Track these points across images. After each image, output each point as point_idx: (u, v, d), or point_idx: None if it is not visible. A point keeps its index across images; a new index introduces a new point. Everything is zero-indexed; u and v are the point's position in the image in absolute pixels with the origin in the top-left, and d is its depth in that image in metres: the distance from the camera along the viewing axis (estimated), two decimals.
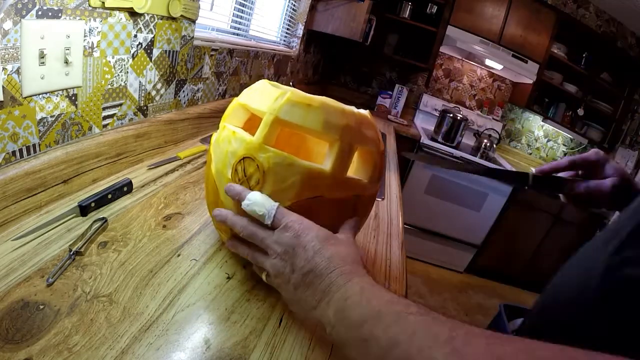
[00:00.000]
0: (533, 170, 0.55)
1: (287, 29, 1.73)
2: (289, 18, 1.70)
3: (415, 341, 0.26)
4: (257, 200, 0.40)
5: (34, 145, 0.51)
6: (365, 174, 0.48)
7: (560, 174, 0.54)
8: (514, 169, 0.59)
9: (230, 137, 0.44)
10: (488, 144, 2.38)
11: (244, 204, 0.40)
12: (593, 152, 0.52)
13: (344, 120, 0.42)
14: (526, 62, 2.31)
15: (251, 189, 0.42)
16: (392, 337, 0.27)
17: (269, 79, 0.53)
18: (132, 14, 0.62)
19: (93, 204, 0.53)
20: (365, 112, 0.48)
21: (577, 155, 0.53)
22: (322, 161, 0.43)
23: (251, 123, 0.48)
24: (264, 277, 0.42)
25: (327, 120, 0.42)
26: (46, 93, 0.50)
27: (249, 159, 0.42)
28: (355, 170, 0.50)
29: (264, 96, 0.45)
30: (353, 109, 0.46)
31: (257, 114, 0.45)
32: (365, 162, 0.48)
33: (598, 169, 0.52)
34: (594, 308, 0.34)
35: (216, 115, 1.02)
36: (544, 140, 2.83)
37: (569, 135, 2.73)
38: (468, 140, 2.63)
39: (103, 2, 0.54)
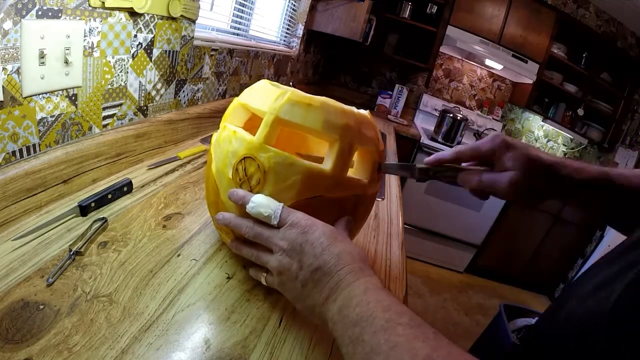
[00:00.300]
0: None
1: (287, 29, 1.73)
2: (289, 18, 1.70)
3: (393, 354, 0.26)
4: (261, 202, 0.40)
5: (34, 145, 0.51)
6: (365, 173, 0.48)
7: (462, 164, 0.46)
8: (399, 162, 0.48)
9: (231, 137, 0.44)
10: None
11: (249, 207, 0.40)
12: (488, 140, 0.43)
13: (344, 120, 0.42)
14: (526, 62, 2.31)
15: (252, 188, 0.42)
16: (376, 344, 0.27)
17: (269, 79, 0.53)
18: (132, 14, 0.62)
19: (93, 204, 0.53)
20: (365, 112, 0.48)
21: (467, 145, 0.45)
22: (322, 161, 0.43)
23: (252, 123, 0.48)
24: (263, 279, 0.42)
25: (327, 120, 0.42)
26: (46, 93, 0.50)
27: (250, 159, 0.42)
28: (355, 170, 0.50)
29: (265, 96, 0.45)
30: (353, 109, 0.46)
31: (258, 113, 0.45)
32: (365, 162, 0.49)
33: (495, 159, 0.42)
34: (607, 329, 0.31)
35: (216, 115, 1.02)
36: (544, 140, 2.83)
37: (569, 135, 2.73)
38: (468, 140, 2.62)
39: (103, 2, 0.54)
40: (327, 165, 0.42)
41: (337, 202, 0.44)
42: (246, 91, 0.49)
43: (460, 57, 2.69)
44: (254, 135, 0.42)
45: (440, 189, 2.34)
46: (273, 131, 0.42)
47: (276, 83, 0.48)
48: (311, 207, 0.42)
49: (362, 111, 0.47)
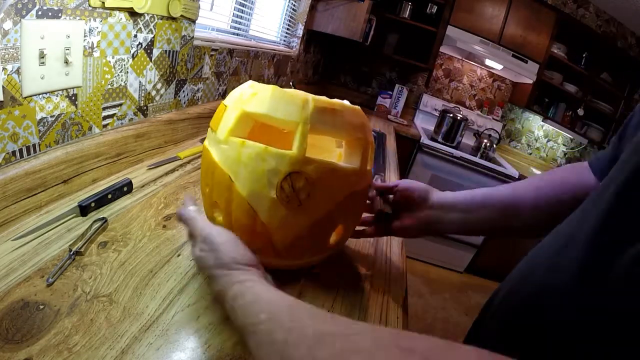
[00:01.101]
0: None
1: (287, 29, 1.73)
2: (289, 18, 1.70)
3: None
4: None
5: (34, 145, 0.51)
6: (364, 162, 0.51)
7: None
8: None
9: (263, 155, 0.41)
10: (488, 144, 2.38)
11: None
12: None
13: (360, 119, 0.47)
14: (526, 62, 2.31)
15: (301, 202, 0.42)
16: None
17: (268, 79, 0.53)
18: (132, 14, 0.62)
19: (93, 204, 0.53)
20: (350, 104, 0.49)
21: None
22: (341, 158, 0.47)
23: (252, 132, 0.46)
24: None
25: (350, 121, 0.45)
26: (46, 93, 0.50)
27: (296, 174, 0.40)
28: (349, 159, 0.52)
29: (281, 104, 0.42)
30: (350, 104, 0.48)
31: (278, 124, 0.43)
32: (356, 150, 0.50)
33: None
34: (570, 288, 0.30)
35: None
36: (544, 140, 2.83)
37: (569, 135, 2.73)
38: (468, 140, 2.62)
39: (103, 2, 0.54)
40: (356, 163, 0.46)
41: (361, 193, 0.49)
42: (248, 99, 0.45)
43: (460, 57, 2.69)
44: (285, 148, 0.41)
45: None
46: (305, 141, 0.41)
47: (274, 86, 0.47)
48: (349, 203, 0.46)
49: (350, 104, 0.48)
